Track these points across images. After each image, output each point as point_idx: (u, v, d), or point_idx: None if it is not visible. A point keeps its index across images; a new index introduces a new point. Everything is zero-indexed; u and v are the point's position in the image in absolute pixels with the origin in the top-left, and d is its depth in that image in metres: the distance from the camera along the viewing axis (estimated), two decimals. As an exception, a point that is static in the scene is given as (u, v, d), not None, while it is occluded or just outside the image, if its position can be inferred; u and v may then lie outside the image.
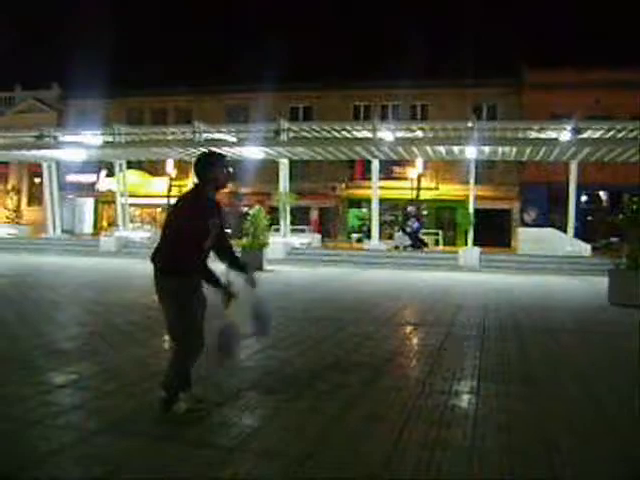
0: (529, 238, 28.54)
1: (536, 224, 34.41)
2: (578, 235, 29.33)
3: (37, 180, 44.21)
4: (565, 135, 27.65)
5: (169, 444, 4.52)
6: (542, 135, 29.38)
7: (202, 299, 5.20)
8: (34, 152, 35.57)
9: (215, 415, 5.23)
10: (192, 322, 5.05)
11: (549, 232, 28.95)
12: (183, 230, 5.02)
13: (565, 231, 29.14)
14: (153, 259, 5.17)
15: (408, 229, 31.22)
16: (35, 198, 46.32)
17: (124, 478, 3.92)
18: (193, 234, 5.01)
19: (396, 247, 30.97)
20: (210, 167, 5.27)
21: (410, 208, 32.86)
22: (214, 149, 5.82)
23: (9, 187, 47.67)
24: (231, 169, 5.55)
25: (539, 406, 5.79)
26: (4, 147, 36.41)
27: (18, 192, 47.84)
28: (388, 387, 6.38)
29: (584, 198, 36.27)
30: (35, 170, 42.46)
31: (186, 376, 5.21)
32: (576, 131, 27.13)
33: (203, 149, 32.20)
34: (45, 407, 5.35)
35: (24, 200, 48.17)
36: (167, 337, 5.72)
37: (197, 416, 5.10)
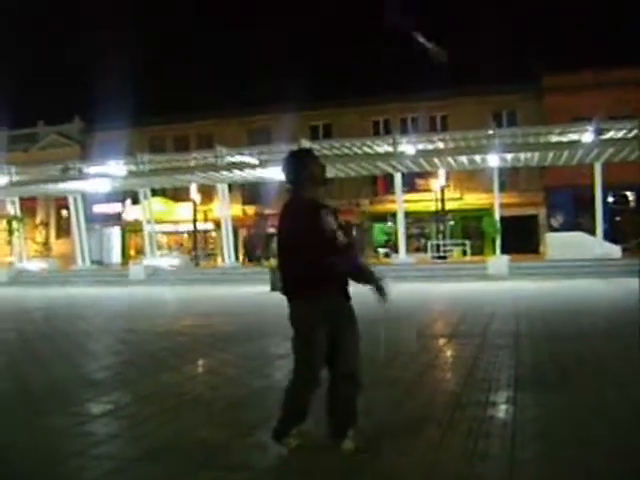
0: (557, 243, 28.32)
1: (564, 228, 34.10)
2: (607, 237, 29.06)
3: (64, 213, 44.70)
4: (587, 137, 27.47)
5: (207, 471, 4.51)
6: (564, 138, 29.21)
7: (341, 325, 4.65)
8: (60, 185, 36.03)
9: (249, 437, 5.20)
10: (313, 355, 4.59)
11: (577, 236, 28.69)
12: (302, 241, 4.48)
13: (594, 234, 28.89)
14: (286, 292, 4.69)
15: None
16: (63, 230, 46.79)
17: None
18: (320, 242, 4.41)
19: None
20: (304, 164, 4.71)
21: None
22: (300, 147, 5.09)
23: (37, 221, 48.23)
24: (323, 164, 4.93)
25: (576, 413, 5.71)
26: (30, 182, 36.92)
27: (46, 225, 48.40)
28: (424, 400, 6.33)
29: (611, 199, 35.88)
30: (62, 203, 42.93)
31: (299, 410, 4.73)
32: (598, 132, 26.93)
33: (226, 172, 32.47)
34: (83, 437, 5.37)
35: (52, 233, 48.71)
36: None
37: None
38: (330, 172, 32.23)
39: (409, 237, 35.40)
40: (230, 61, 72.47)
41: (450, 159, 30.57)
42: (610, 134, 27.89)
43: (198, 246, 40.66)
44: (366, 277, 4.62)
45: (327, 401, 4.70)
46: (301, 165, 4.68)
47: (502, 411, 5.88)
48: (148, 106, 44.31)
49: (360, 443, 4.59)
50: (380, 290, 4.61)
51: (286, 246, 4.66)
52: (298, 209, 4.61)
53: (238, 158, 33.40)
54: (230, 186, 36.71)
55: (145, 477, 4.42)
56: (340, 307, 4.67)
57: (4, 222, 39.76)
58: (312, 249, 4.43)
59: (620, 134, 28.03)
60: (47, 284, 31.43)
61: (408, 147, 30.18)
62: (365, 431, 4.78)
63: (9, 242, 40.13)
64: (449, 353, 9.63)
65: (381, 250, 38.00)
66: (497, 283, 23.38)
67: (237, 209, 42.16)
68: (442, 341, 10.74)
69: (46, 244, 47.50)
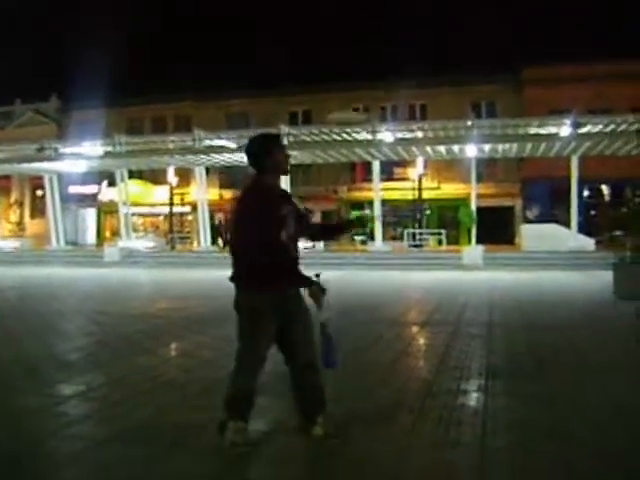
0: (532, 234, 28.51)
1: (539, 220, 34.34)
2: (581, 230, 29.31)
3: (39, 192, 44.31)
4: (565, 130, 27.62)
5: (179, 452, 4.52)
6: (542, 131, 29.35)
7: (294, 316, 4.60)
8: (35, 165, 35.70)
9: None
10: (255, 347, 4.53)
11: (552, 228, 28.89)
12: (255, 230, 4.33)
13: (568, 226, 29.13)
14: (232, 278, 4.56)
15: None
16: (38, 210, 46.42)
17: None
18: (267, 230, 4.33)
19: None
20: (269, 151, 4.54)
21: None
22: (267, 131, 4.82)
23: (11, 200, 47.78)
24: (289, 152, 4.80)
25: (548, 403, 5.78)
26: (5, 161, 36.51)
27: (21, 205, 47.98)
28: (396, 387, 6.38)
29: (586, 192, 36.19)
30: (37, 183, 42.55)
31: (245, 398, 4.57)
32: (576, 125, 27.08)
33: (203, 156, 32.32)
34: (55, 418, 5.36)
35: (27, 213, 48.30)
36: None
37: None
38: (308, 158, 32.27)
39: (385, 225, 35.44)
40: (211, 43, 71.93)
41: (428, 148, 30.63)
42: (587, 128, 28.06)
43: (174, 229, 40.53)
44: (300, 282, 4.54)
45: (293, 392, 4.72)
46: (265, 150, 4.54)
47: (473, 399, 5.95)
48: (126, 86, 44.02)
49: (329, 429, 4.60)
50: (314, 295, 4.52)
51: (237, 232, 4.50)
52: (253, 195, 4.51)
53: (216, 142, 33.25)
54: (208, 170, 36.57)
55: (118, 457, 4.42)
56: (290, 296, 4.57)
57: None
58: (263, 237, 4.31)
59: (597, 128, 28.20)
60: (21, 264, 31.15)
61: (387, 135, 30.19)
62: (335, 417, 4.80)
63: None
64: (422, 341, 9.69)
65: (357, 237, 38.04)
66: (472, 273, 23.52)
67: (214, 193, 42.00)
68: (415, 329, 10.82)
69: (20, 224, 47.11)
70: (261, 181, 4.53)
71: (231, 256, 4.53)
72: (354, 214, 41.43)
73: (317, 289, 4.49)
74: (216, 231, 37.41)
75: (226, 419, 4.53)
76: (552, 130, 28.81)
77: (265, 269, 4.35)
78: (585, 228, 30.36)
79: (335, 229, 6.11)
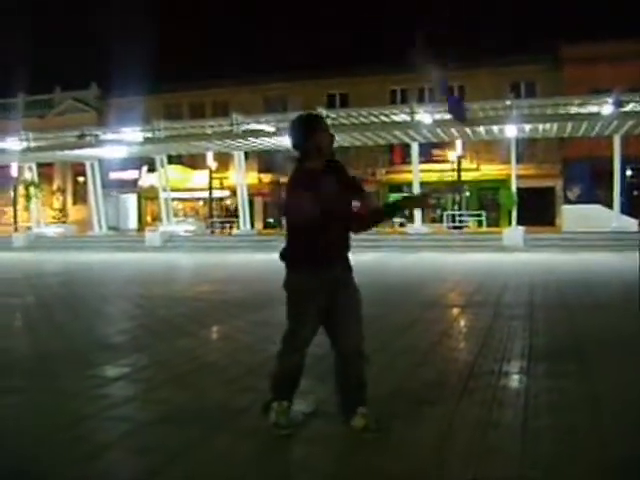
0: (574, 215, 28.20)
1: (580, 201, 33.87)
2: (624, 210, 28.85)
3: (81, 179, 44.84)
4: (607, 109, 27.17)
5: (221, 434, 4.56)
6: (583, 110, 28.91)
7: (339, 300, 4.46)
8: (76, 152, 36.20)
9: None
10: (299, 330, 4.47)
11: (594, 209, 28.53)
12: (300, 209, 4.22)
13: (611, 207, 28.70)
14: (284, 260, 4.47)
15: None
16: (80, 197, 46.98)
17: (178, 469, 3.96)
18: (299, 213, 4.24)
19: None
20: (310, 133, 4.33)
21: None
22: (309, 112, 4.58)
23: (54, 187, 48.42)
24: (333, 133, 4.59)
25: (590, 384, 5.72)
26: (47, 148, 37.06)
27: (63, 192, 48.62)
28: (438, 369, 6.36)
29: (629, 172, 35.52)
30: (78, 169, 43.08)
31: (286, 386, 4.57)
32: (619, 104, 26.62)
33: (242, 140, 32.42)
34: (99, 400, 5.44)
35: (69, 199, 48.94)
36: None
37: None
38: (346, 141, 32.17)
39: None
40: (247, 28, 72.00)
41: (467, 129, 30.35)
42: (630, 106, 27.56)
43: (214, 213, 40.81)
44: (383, 216, 4.54)
45: (334, 379, 4.60)
46: (308, 132, 4.33)
47: (515, 381, 5.91)
48: (164, 73, 44.20)
49: (370, 422, 4.42)
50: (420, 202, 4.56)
51: (286, 212, 4.43)
52: (296, 176, 4.38)
53: (254, 126, 33.32)
54: (246, 154, 36.67)
55: (160, 440, 4.46)
56: (337, 278, 4.44)
57: (22, 188, 39.96)
58: (307, 217, 4.18)
59: (641, 106, 27.68)
60: (64, 249, 31.65)
61: (425, 116, 29.99)
62: (376, 410, 4.58)
63: (27, 208, 40.38)
64: (463, 323, 9.66)
65: (396, 220, 37.88)
66: (512, 254, 23.32)
67: (253, 177, 42.14)
68: (456, 311, 10.77)
69: (63, 210, 47.76)
70: (304, 165, 4.38)
71: (286, 239, 4.48)
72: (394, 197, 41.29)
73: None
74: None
75: (270, 399, 4.52)
76: (593, 109, 28.36)
77: (310, 249, 4.28)
78: (628, 209, 29.84)
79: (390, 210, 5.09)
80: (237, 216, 37.05)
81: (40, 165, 40.44)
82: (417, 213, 30.92)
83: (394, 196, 41.11)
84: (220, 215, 43.54)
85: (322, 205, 4.12)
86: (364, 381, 4.51)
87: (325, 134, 4.38)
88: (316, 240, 4.25)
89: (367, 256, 23.22)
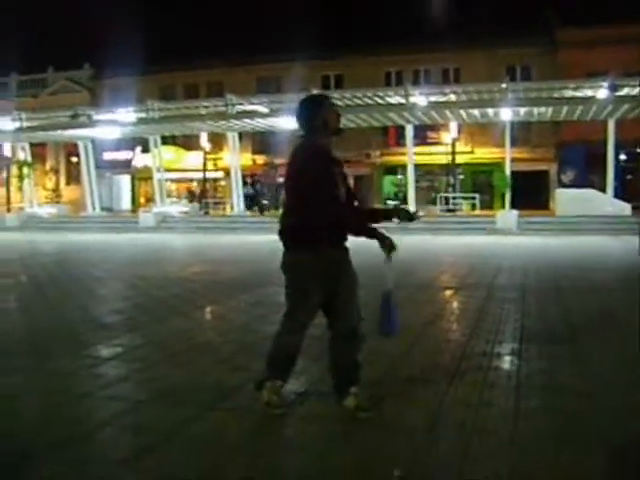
0: (567, 199, 28.21)
1: (574, 185, 33.86)
2: (618, 195, 28.91)
3: (74, 159, 44.62)
4: (602, 93, 27.14)
5: (215, 412, 4.60)
6: (578, 94, 28.87)
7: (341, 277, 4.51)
8: (70, 132, 36.01)
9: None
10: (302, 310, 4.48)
11: (588, 192, 28.55)
12: (310, 186, 4.25)
13: (604, 191, 28.75)
14: (283, 239, 4.47)
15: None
16: (73, 177, 46.80)
17: (173, 446, 3.99)
18: (323, 186, 4.25)
19: None
20: (317, 110, 4.45)
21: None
22: (315, 92, 4.60)
23: (47, 167, 48.20)
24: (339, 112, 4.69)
25: (582, 366, 5.76)
26: (40, 128, 36.86)
27: (56, 172, 48.40)
28: (430, 350, 6.40)
29: (623, 157, 35.51)
30: (71, 150, 42.86)
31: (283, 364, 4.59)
32: (613, 88, 26.58)
33: (236, 121, 32.30)
34: (94, 379, 5.47)
35: (62, 180, 48.72)
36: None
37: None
38: (341, 122, 32.01)
39: (418, 190, 35.19)
40: (241, 8, 71.41)
41: (462, 112, 30.29)
42: (625, 91, 27.53)
43: (207, 194, 40.74)
44: (367, 234, 4.55)
45: (329, 359, 4.62)
46: (316, 110, 4.45)
47: (507, 362, 5.96)
48: (158, 53, 43.85)
49: (362, 402, 4.46)
50: (384, 244, 4.50)
51: (290, 193, 4.47)
52: (307, 152, 4.42)
53: (248, 107, 33.20)
54: (240, 135, 36.55)
55: (155, 418, 4.50)
56: (338, 259, 4.51)
57: (15, 168, 39.79)
58: (316, 198, 4.23)
59: (635, 91, 27.63)
60: (57, 230, 31.56)
61: (420, 99, 29.90)
62: (369, 390, 4.69)
63: (20, 188, 40.21)
64: (455, 305, 9.71)
65: (390, 202, 37.92)
66: (506, 237, 23.37)
67: (247, 158, 42.02)
68: (449, 293, 10.82)
69: (56, 190, 47.54)
70: (313, 140, 4.43)
71: (282, 215, 4.53)
72: (388, 180, 41.27)
73: (391, 242, 4.47)
74: (254, 198, 37.67)
75: (264, 378, 4.54)
76: (588, 93, 28.33)
77: (315, 227, 4.30)
78: (621, 193, 29.89)
79: (381, 214, 5.34)
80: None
81: (33, 145, 40.21)
82: (411, 195, 30.92)
83: (388, 178, 41.23)
84: (213, 196, 43.45)
85: (340, 190, 4.33)
86: (359, 362, 4.54)
87: (332, 110, 4.55)
88: (322, 219, 4.28)
89: (359, 238, 23.26)
